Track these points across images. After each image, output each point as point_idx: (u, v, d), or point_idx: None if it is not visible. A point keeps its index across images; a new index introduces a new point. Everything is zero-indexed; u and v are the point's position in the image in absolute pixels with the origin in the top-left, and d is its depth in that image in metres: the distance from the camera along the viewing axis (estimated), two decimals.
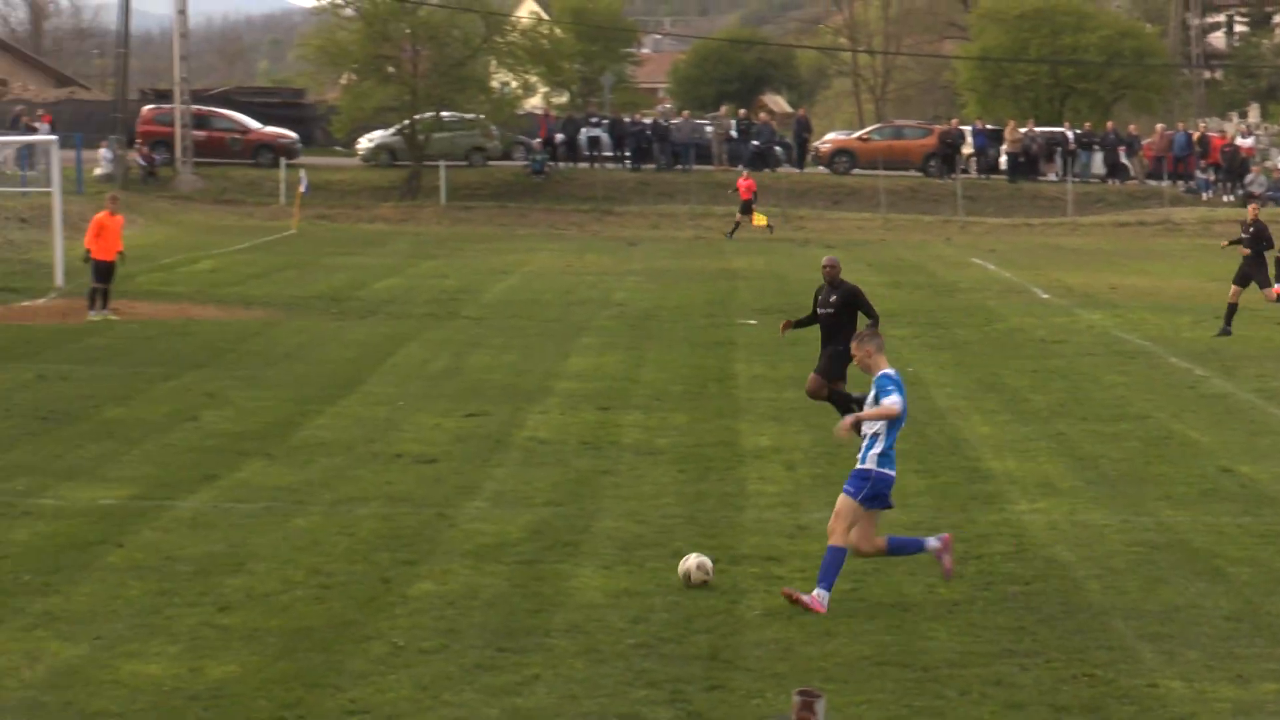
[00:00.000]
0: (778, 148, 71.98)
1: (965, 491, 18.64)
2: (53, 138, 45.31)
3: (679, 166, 69.84)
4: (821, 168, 71.82)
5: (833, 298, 21.42)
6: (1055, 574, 15.16)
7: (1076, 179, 68.68)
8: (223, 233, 57.30)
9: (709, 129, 71.73)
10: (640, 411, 23.58)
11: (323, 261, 46.93)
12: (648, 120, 72.62)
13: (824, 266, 21.67)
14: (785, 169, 70.71)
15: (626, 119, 72.46)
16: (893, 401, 13.73)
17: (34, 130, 63.12)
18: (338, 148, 74.93)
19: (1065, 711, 11.65)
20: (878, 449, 13.82)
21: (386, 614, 13.58)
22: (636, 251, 52.86)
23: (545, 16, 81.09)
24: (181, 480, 18.59)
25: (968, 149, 70.93)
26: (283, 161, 68.03)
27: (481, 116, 68.94)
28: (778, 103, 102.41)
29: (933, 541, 14.27)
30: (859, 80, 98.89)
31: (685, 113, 74.66)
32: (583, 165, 70.59)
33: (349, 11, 69.59)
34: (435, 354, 29.22)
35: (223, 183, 68.37)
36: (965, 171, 70.14)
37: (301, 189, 59.87)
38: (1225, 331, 32.49)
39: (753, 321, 34.03)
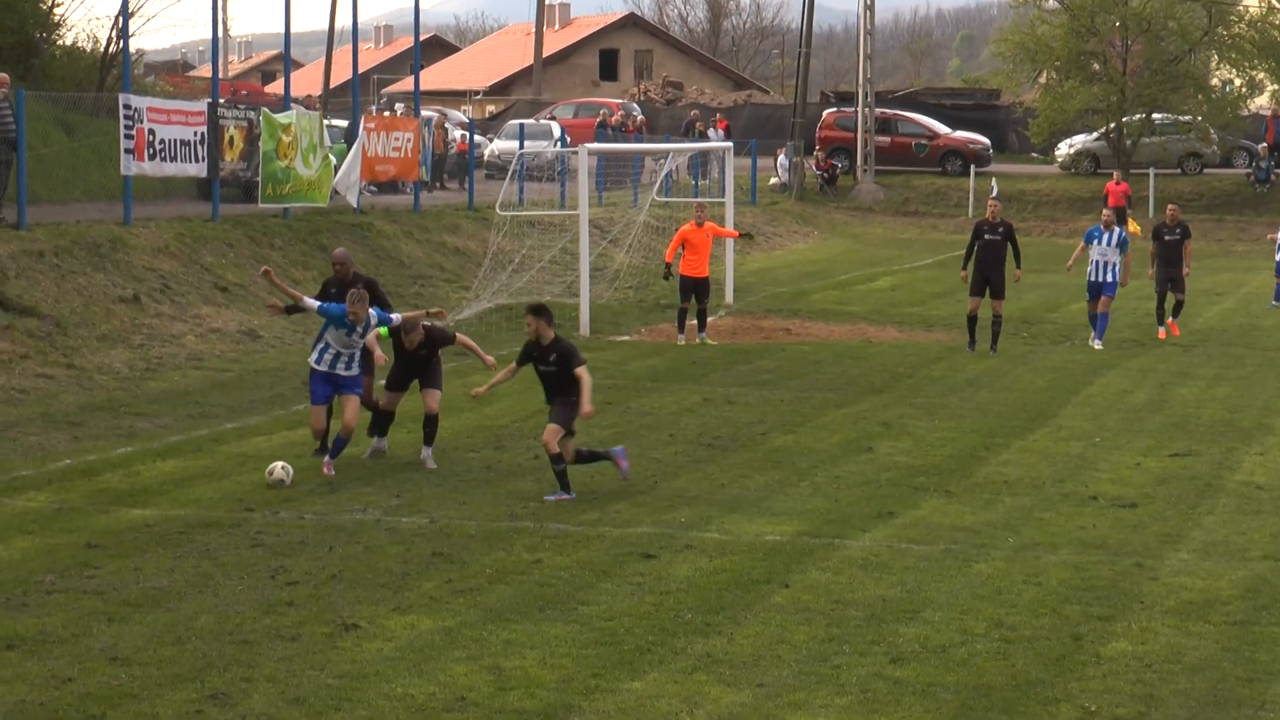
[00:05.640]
0: None
1: None
2: (727, 144, 46.77)
3: None
4: None
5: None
6: None
7: None
8: (904, 247, 58.02)
9: None
10: None
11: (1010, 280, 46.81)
12: None
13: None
14: None
15: None
16: None
17: (706, 136, 65.25)
18: (1034, 154, 74.83)
19: None
20: None
21: (1077, 674, 13.40)
22: None
23: (1278, 5, 78.84)
24: (853, 516, 18.82)
25: None
26: (972, 169, 68.41)
27: (1199, 119, 67.62)
28: None
29: None
30: None
31: None
32: None
33: (1052, 3, 69.37)
34: (1137, 385, 28.76)
35: (905, 192, 69.18)
36: None
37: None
38: None
39: None
